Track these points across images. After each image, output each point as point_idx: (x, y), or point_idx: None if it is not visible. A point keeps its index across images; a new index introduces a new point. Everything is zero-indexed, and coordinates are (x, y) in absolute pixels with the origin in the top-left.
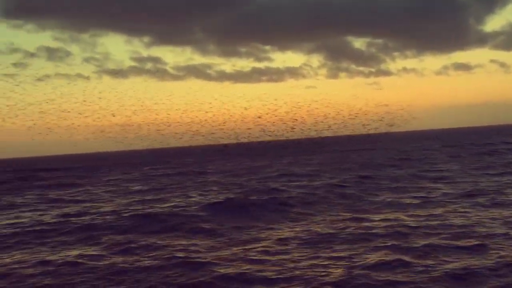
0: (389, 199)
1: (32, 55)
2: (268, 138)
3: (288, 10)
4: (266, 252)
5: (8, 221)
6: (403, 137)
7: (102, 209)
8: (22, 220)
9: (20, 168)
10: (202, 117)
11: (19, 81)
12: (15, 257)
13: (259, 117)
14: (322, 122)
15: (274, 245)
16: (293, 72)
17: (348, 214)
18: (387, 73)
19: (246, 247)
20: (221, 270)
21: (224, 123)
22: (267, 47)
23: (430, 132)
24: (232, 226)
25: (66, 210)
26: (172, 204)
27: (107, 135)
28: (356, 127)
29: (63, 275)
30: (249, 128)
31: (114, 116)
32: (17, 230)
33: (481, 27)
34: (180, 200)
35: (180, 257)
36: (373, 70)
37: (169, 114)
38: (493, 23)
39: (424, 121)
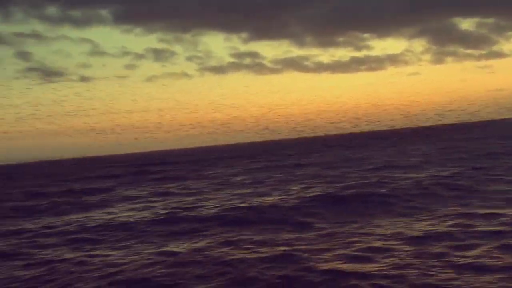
0: (506, 193)
1: (140, 56)
2: (366, 128)
3: None
4: (366, 248)
5: (121, 214)
6: None
7: (206, 202)
8: (134, 213)
9: (132, 163)
10: (299, 109)
11: (132, 81)
12: (127, 248)
13: (358, 107)
14: (427, 109)
15: (375, 241)
16: (394, 60)
17: (458, 209)
18: (500, 55)
19: (346, 242)
20: (320, 265)
21: (321, 114)
22: (366, 35)
23: None
24: (332, 220)
25: (173, 203)
26: (273, 197)
27: (210, 130)
28: (465, 113)
29: (172, 265)
30: (353, 118)
31: (215, 111)
32: (129, 220)
33: None
34: (280, 193)
35: (280, 250)
36: (484, 52)
37: (267, 107)
38: None
39: None
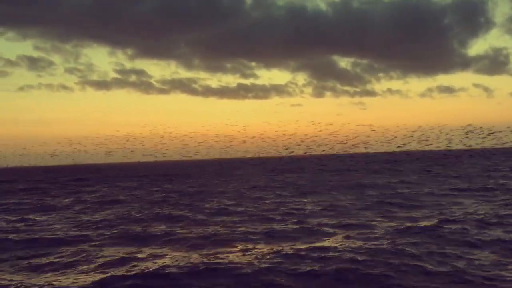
0: None
1: (13, 63)
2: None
3: (274, 28)
4: None
5: None
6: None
7: None
8: None
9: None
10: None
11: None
12: None
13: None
14: (307, 139)
15: None
16: (278, 90)
17: None
18: (372, 93)
19: None
20: None
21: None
22: (253, 64)
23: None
24: None
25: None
26: None
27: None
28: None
29: None
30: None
31: (101, 125)
32: None
33: (465, 51)
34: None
35: None
36: (358, 90)
37: (154, 127)
38: (477, 47)
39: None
